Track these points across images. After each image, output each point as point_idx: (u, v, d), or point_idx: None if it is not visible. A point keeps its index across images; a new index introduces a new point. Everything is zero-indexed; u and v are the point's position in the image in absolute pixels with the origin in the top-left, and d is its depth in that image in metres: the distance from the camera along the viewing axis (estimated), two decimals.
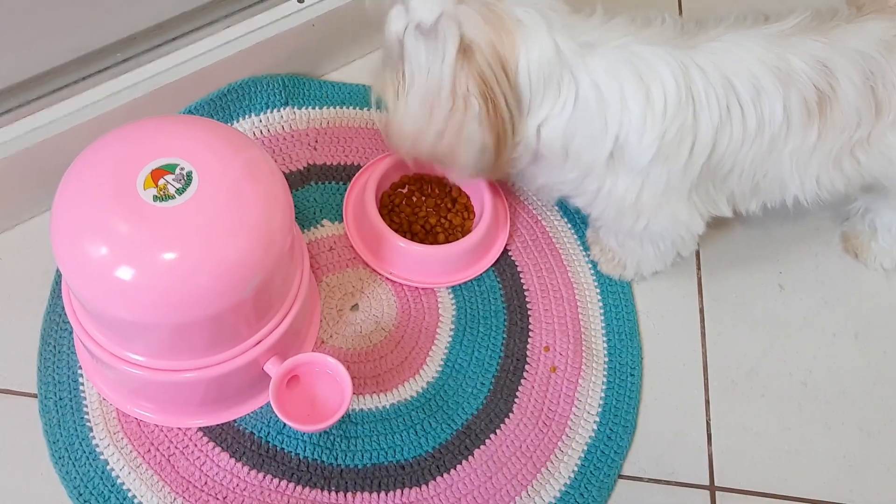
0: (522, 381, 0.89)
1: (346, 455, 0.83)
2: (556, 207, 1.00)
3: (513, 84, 0.76)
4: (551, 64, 0.76)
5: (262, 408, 0.84)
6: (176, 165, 0.70)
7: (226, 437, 0.83)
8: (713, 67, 0.77)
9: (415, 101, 0.78)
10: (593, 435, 0.87)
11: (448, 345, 0.91)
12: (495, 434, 0.86)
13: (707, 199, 0.85)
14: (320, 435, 0.84)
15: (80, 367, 0.85)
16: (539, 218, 0.99)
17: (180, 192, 0.69)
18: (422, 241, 0.93)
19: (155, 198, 0.69)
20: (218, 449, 0.82)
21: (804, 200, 0.85)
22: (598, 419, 0.88)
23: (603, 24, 0.79)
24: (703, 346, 0.95)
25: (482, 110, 0.75)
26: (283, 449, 0.83)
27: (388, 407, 0.87)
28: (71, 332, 0.86)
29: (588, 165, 0.81)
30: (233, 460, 0.82)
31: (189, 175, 0.70)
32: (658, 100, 0.76)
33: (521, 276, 0.95)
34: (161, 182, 0.69)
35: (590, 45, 0.77)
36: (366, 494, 0.82)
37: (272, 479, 0.82)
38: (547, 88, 0.77)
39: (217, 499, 0.80)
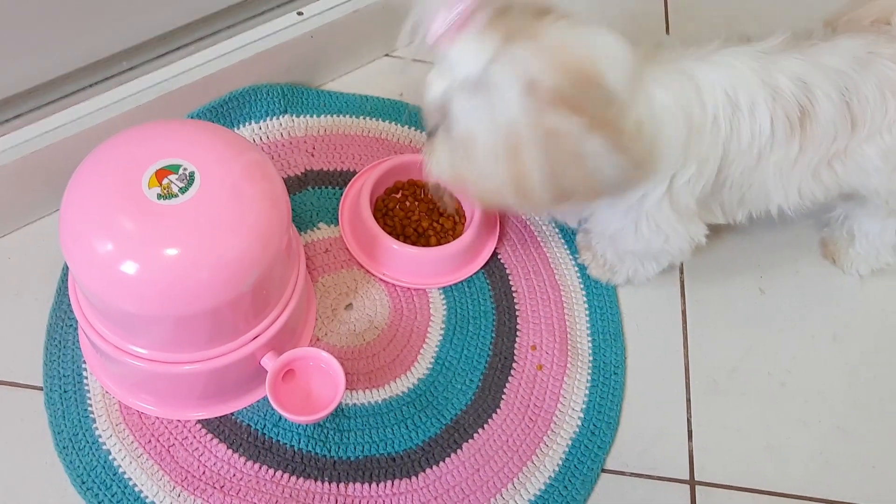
0: (510, 378, 0.93)
1: (339, 447, 0.87)
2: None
3: (606, 89, 0.70)
4: (629, 71, 0.73)
5: (258, 402, 0.88)
6: (179, 166, 0.74)
7: (223, 429, 0.86)
8: (718, 83, 0.80)
9: (488, 164, 0.72)
10: (577, 430, 0.90)
11: (438, 343, 0.94)
12: (483, 429, 0.89)
13: (706, 211, 0.89)
14: (314, 428, 0.87)
15: (85, 362, 0.88)
16: (527, 222, 1.02)
17: (183, 191, 0.73)
18: (414, 244, 0.96)
19: (159, 196, 0.72)
20: (216, 440, 0.86)
21: (787, 210, 0.88)
22: (582, 415, 0.91)
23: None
24: (686, 346, 0.98)
25: (593, 135, 0.69)
26: (278, 441, 0.86)
27: (380, 402, 0.90)
28: (76, 328, 0.90)
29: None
30: (230, 451, 0.85)
31: (192, 175, 0.73)
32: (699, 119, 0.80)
33: (509, 278, 0.99)
34: (165, 181, 0.73)
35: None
36: (358, 485, 0.85)
37: (268, 470, 0.85)
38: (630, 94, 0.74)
39: (214, 488, 0.83)
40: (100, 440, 0.84)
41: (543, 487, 0.87)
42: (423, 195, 1.01)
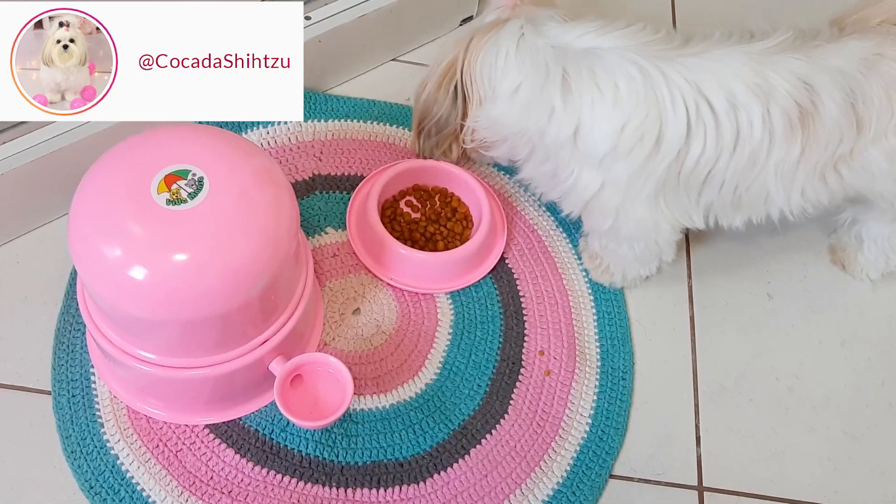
0: (518, 383, 0.92)
1: (346, 452, 0.86)
2: (552, 217, 1.03)
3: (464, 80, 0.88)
4: (504, 58, 0.84)
5: (266, 406, 0.88)
6: (188, 171, 0.74)
7: (231, 434, 0.86)
8: (682, 79, 0.80)
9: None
10: (585, 436, 0.90)
11: (446, 348, 0.94)
12: (491, 434, 0.89)
13: (678, 209, 0.88)
14: (322, 433, 0.87)
15: (93, 366, 0.88)
16: (535, 227, 1.02)
17: (192, 196, 0.73)
18: (422, 249, 0.96)
19: (168, 201, 0.72)
20: (224, 445, 0.86)
21: (790, 214, 0.88)
22: (590, 421, 0.91)
23: (578, 26, 0.85)
24: (693, 352, 0.98)
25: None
26: (286, 446, 0.86)
27: (387, 407, 0.90)
28: (84, 333, 0.90)
29: (555, 147, 0.85)
30: (238, 456, 0.85)
31: (201, 180, 0.73)
32: (608, 92, 0.80)
33: (517, 283, 0.99)
34: (174, 187, 0.73)
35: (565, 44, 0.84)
36: (365, 490, 0.85)
37: (275, 475, 0.85)
38: (503, 76, 0.85)
39: (222, 493, 0.83)
40: (108, 445, 0.84)
41: (551, 493, 0.87)
42: (431, 200, 1.01)
